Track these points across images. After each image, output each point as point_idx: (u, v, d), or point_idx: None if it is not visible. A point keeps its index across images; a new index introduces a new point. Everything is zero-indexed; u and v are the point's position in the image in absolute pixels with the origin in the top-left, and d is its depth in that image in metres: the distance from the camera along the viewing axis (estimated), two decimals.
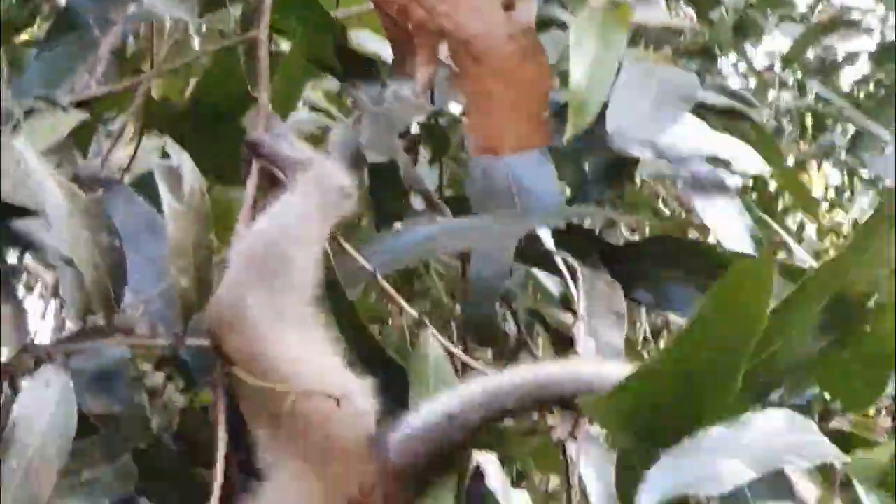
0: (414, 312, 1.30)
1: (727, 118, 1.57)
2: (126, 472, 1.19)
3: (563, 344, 1.38)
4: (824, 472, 0.94)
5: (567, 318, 1.41)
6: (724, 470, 0.86)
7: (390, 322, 1.40)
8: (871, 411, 1.17)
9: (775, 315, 0.97)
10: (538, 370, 1.21)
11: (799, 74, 3.26)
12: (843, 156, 3.26)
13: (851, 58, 3.34)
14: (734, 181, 1.61)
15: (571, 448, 1.22)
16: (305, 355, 1.19)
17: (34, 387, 1.13)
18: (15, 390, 1.15)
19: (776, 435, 0.89)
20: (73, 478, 1.16)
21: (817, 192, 3.36)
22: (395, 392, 1.23)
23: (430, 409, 1.19)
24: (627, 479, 1.07)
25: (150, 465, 1.21)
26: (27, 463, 1.09)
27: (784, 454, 0.89)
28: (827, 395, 1.10)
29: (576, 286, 1.28)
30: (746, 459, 0.87)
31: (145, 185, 1.27)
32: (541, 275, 1.40)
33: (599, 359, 1.26)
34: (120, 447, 1.19)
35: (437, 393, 1.22)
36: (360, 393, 1.19)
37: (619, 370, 1.15)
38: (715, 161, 1.47)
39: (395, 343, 1.27)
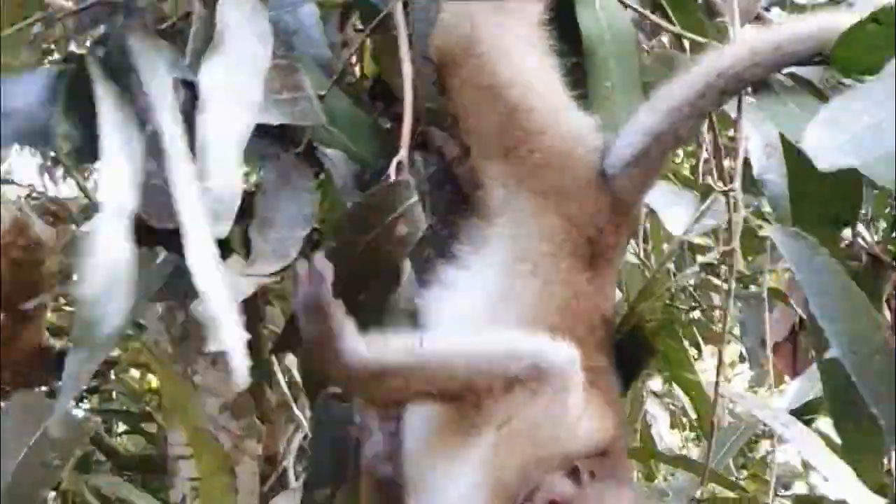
0: None
1: None
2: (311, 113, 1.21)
3: None
4: None
5: None
6: None
7: None
8: None
9: None
10: (746, 46, 1.23)
11: None
12: None
13: None
14: None
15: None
16: (539, 85, 1.16)
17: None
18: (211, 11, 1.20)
19: None
20: (275, 94, 1.19)
21: None
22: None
23: (637, 130, 1.17)
24: None
25: (336, 107, 1.24)
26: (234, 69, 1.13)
27: None
28: None
29: None
30: None
31: None
32: None
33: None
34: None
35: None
36: (590, 130, 1.19)
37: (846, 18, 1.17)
38: None
39: None
